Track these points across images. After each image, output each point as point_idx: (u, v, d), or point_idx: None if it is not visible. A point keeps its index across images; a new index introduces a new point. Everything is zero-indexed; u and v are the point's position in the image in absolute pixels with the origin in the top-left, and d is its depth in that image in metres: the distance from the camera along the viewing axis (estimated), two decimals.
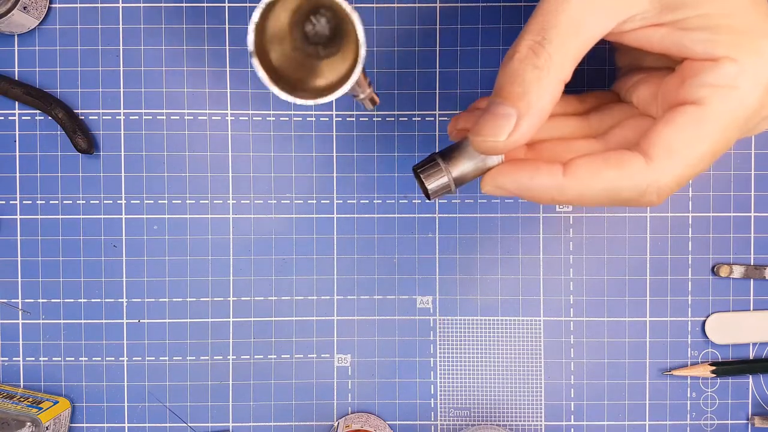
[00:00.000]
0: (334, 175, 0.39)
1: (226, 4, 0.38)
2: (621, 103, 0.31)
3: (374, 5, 0.38)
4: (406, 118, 0.39)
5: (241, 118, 0.39)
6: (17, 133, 0.38)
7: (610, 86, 0.34)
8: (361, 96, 0.28)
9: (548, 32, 0.26)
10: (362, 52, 0.24)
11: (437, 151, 0.33)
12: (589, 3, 0.26)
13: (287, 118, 0.39)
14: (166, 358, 0.39)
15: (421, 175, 0.29)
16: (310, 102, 0.25)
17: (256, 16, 0.24)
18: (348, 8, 0.23)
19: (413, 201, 0.39)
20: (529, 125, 0.26)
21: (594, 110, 0.32)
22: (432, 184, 0.29)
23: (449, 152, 0.30)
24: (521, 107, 0.26)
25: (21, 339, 0.39)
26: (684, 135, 0.26)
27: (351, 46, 0.25)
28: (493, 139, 0.27)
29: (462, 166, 0.29)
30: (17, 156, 0.39)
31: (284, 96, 0.25)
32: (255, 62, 0.24)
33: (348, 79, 0.24)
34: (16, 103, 0.38)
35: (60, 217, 0.39)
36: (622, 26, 0.27)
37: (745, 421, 0.39)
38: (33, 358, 0.39)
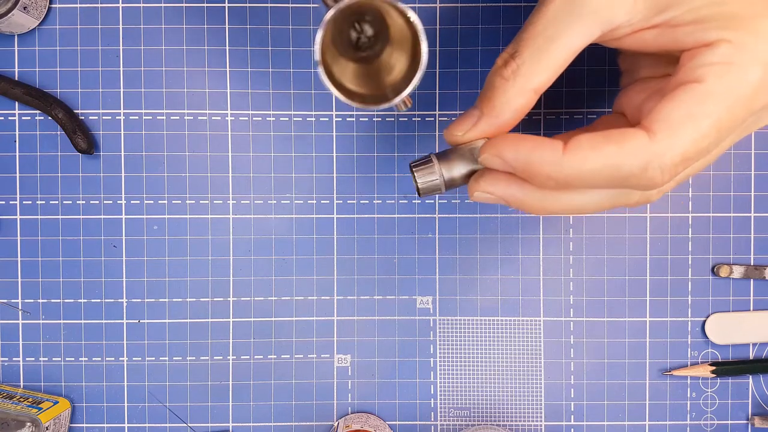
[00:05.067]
0: (334, 175, 0.39)
1: (226, 4, 0.38)
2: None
3: None
4: (406, 119, 0.39)
5: (241, 118, 0.39)
6: (17, 133, 0.38)
7: (611, 87, 0.34)
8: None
9: (521, 44, 0.28)
10: (424, 51, 0.25)
11: (436, 151, 0.33)
12: (565, 16, 0.27)
13: (287, 118, 0.39)
14: (166, 358, 0.39)
15: (414, 171, 0.30)
16: (384, 106, 0.26)
17: (321, 30, 0.25)
18: (408, 11, 0.25)
19: (413, 201, 0.39)
20: (487, 125, 0.29)
21: None
22: (423, 181, 0.30)
23: (446, 154, 0.30)
24: (484, 109, 0.29)
25: (21, 339, 0.39)
26: (685, 110, 0.25)
27: (400, 37, 0.26)
28: (454, 132, 0.30)
29: (456, 169, 0.30)
30: (17, 156, 0.39)
31: (349, 102, 0.26)
32: (321, 71, 0.25)
33: (414, 75, 0.26)
34: (16, 103, 0.38)
35: (60, 217, 0.39)
36: (612, 34, 0.28)
37: (745, 422, 0.39)
38: (33, 358, 0.39)
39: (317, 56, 0.25)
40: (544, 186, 0.28)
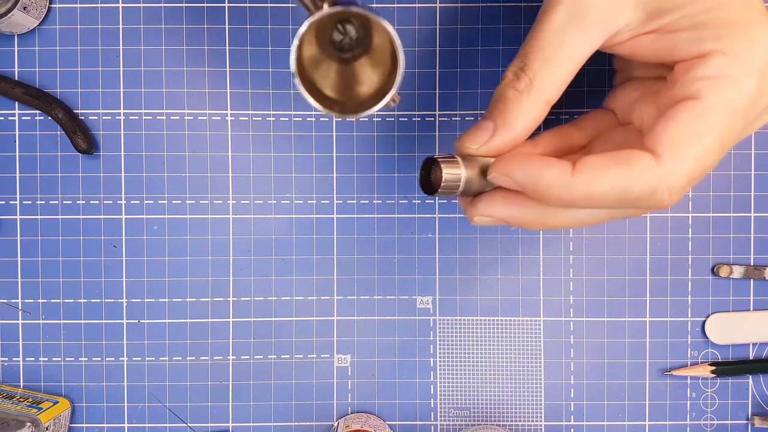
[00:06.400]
0: (334, 175, 0.39)
1: (226, 4, 0.38)
2: (620, 128, 0.31)
3: (374, 5, 0.38)
4: (406, 119, 0.39)
5: (241, 118, 0.39)
6: (17, 133, 0.38)
7: (611, 87, 0.34)
8: None
9: (528, 57, 0.28)
10: (401, 59, 0.25)
11: (437, 155, 0.33)
12: (568, 26, 0.27)
13: (287, 118, 0.39)
14: (166, 358, 0.39)
15: (441, 163, 0.29)
16: (355, 117, 0.26)
17: (297, 40, 0.25)
18: (385, 23, 0.25)
19: (413, 201, 0.39)
20: (502, 138, 0.28)
21: (595, 139, 0.31)
22: (448, 174, 0.29)
23: (466, 158, 0.30)
24: (498, 122, 0.29)
25: (21, 339, 0.39)
26: (686, 129, 0.25)
27: (381, 46, 0.26)
28: (468, 145, 0.29)
29: (472, 173, 0.29)
30: (17, 156, 0.39)
31: (328, 113, 0.26)
32: (297, 82, 0.25)
33: (390, 87, 0.26)
34: (16, 103, 0.38)
35: (60, 217, 0.39)
36: (611, 40, 0.28)
37: (745, 422, 0.39)
38: (33, 358, 0.39)
39: (293, 67, 0.25)
40: (551, 205, 0.28)
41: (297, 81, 0.25)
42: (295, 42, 0.24)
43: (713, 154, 0.26)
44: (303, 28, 0.24)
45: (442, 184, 0.29)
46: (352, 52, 0.27)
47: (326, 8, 0.24)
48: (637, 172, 0.26)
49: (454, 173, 0.29)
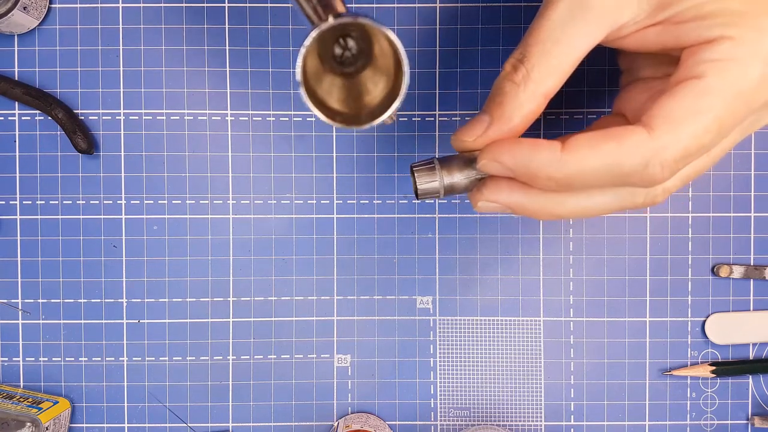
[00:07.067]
0: (334, 175, 0.39)
1: (226, 4, 0.38)
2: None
3: (374, 5, 0.38)
4: (406, 119, 0.39)
5: (241, 118, 0.39)
6: (17, 133, 0.38)
7: (611, 87, 0.34)
8: None
9: (528, 49, 0.28)
10: (406, 71, 0.25)
11: (438, 155, 0.33)
12: (570, 19, 0.27)
13: (287, 119, 0.39)
14: (166, 358, 0.39)
15: (415, 174, 0.30)
16: (362, 127, 0.26)
17: (304, 49, 0.25)
18: (392, 35, 0.24)
19: (413, 201, 0.39)
20: (497, 131, 0.28)
21: None
22: (423, 185, 0.30)
23: (449, 160, 0.30)
24: (495, 115, 0.28)
25: (21, 339, 0.39)
26: (685, 105, 0.25)
27: (384, 55, 0.26)
28: (464, 138, 0.29)
29: (457, 176, 0.30)
30: (17, 156, 0.39)
31: (331, 123, 0.26)
32: (302, 92, 0.25)
33: (395, 99, 0.26)
34: (16, 103, 0.38)
35: (60, 217, 0.39)
36: (617, 33, 0.28)
37: (745, 422, 0.39)
38: (33, 359, 0.39)
39: (298, 77, 0.25)
40: (545, 188, 0.28)
41: (302, 91, 0.25)
42: (302, 51, 0.24)
43: (710, 133, 0.26)
44: (308, 40, 0.24)
45: (419, 193, 0.30)
46: (354, 66, 0.27)
47: (331, 20, 0.24)
48: (629, 146, 0.26)
49: (427, 182, 0.30)
